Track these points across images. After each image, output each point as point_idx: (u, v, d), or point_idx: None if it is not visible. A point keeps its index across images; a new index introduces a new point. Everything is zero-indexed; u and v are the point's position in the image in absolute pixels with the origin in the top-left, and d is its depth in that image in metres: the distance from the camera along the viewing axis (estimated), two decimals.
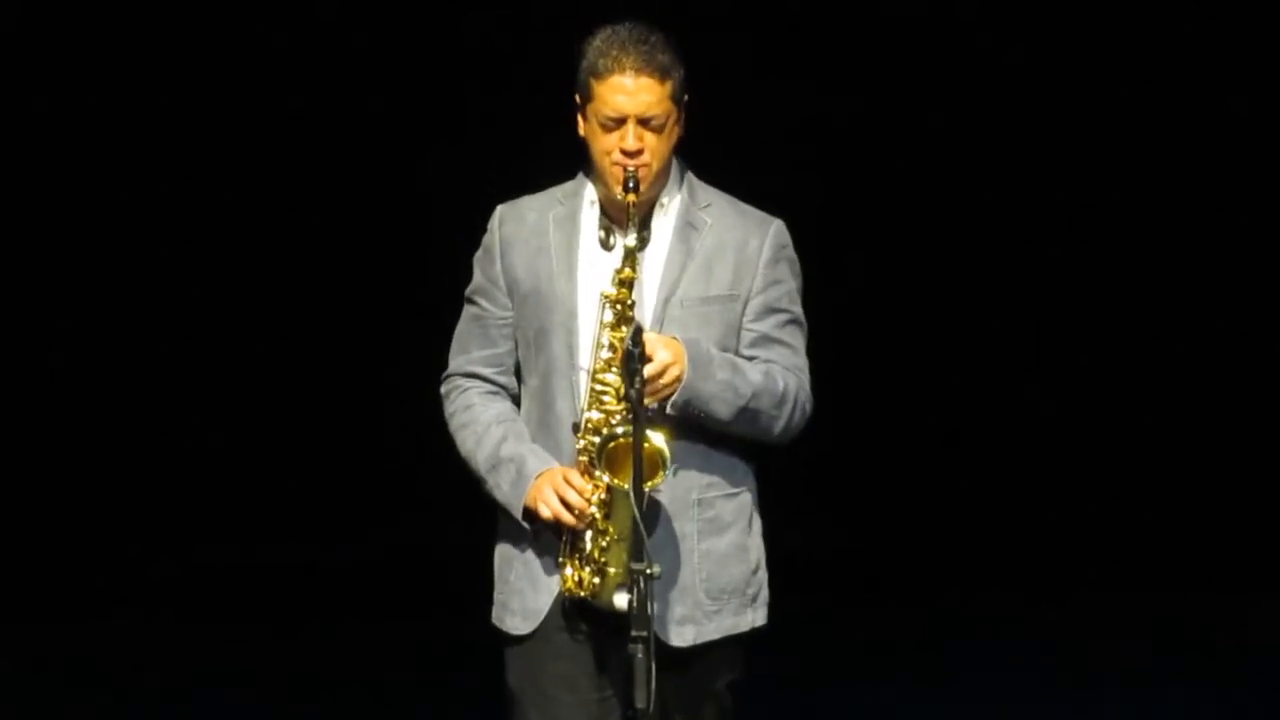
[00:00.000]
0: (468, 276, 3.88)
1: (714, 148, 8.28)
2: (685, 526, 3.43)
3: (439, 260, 9.47)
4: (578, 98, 3.50)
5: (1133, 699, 6.96)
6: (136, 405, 9.59)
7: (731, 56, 9.24)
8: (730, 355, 3.46)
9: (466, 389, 3.56)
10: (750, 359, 3.49)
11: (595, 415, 3.37)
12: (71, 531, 9.26)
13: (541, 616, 3.44)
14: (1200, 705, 6.88)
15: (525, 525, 3.43)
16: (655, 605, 3.24)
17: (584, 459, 3.37)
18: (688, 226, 3.48)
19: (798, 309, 3.60)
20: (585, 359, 3.41)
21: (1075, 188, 9.65)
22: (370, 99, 9.45)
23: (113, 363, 9.58)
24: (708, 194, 3.58)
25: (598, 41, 3.51)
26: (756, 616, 3.51)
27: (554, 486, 3.37)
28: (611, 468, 3.32)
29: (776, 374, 3.48)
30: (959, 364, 9.71)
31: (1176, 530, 9.42)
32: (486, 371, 3.54)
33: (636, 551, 3.23)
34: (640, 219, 3.40)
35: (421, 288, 9.01)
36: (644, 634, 3.18)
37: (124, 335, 9.56)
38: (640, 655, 3.18)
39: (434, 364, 5.61)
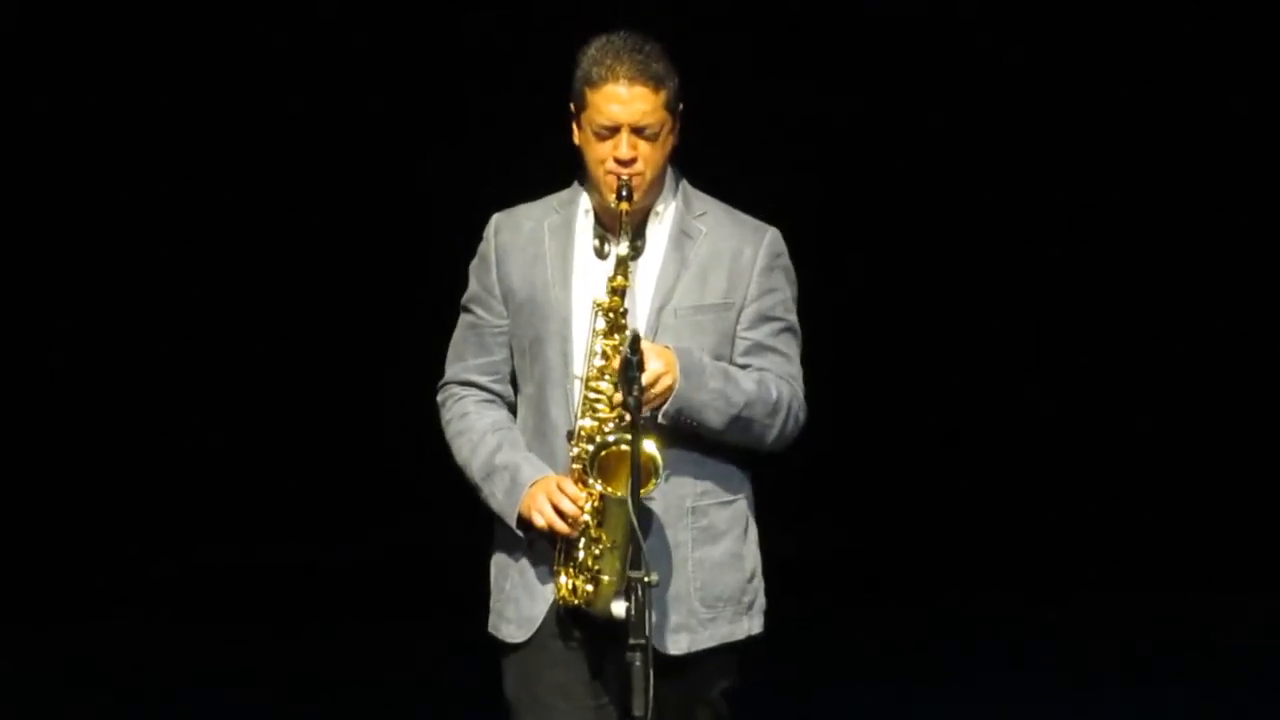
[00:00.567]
0: (467, 277, 3.89)
1: (714, 148, 8.27)
2: (679, 535, 3.44)
3: (439, 260, 9.45)
4: (572, 106, 3.50)
5: (1133, 699, 6.98)
6: (136, 405, 9.56)
7: (731, 57, 9.26)
8: (723, 364, 3.46)
9: (462, 397, 3.56)
10: (744, 367, 3.49)
11: (589, 423, 3.37)
12: (71, 531, 9.24)
13: (536, 625, 3.45)
14: (1200, 705, 6.90)
15: (520, 533, 3.44)
16: (652, 613, 3.25)
17: (577, 467, 3.37)
18: (682, 235, 3.48)
19: (792, 317, 3.59)
20: (580, 367, 3.41)
21: (1075, 188, 9.62)
22: (370, 99, 9.43)
23: (113, 363, 9.56)
24: (703, 202, 3.58)
25: (592, 50, 3.52)
26: (752, 625, 3.51)
27: (548, 494, 3.38)
28: (604, 476, 3.32)
29: (770, 382, 3.48)
30: (959, 364, 9.68)
31: (1176, 530, 9.39)
32: (482, 380, 3.55)
33: (634, 559, 3.24)
34: (635, 227, 3.40)
35: (421, 287, 9.03)
36: (642, 642, 3.19)
37: (124, 335, 9.54)
38: (638, 663, 3.19)
39: (433, 363, 5.60)
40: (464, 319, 3.64)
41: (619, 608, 3.26)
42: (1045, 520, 9.41)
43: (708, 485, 3.47)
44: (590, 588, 3.36)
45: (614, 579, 3.32)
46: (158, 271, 9.54)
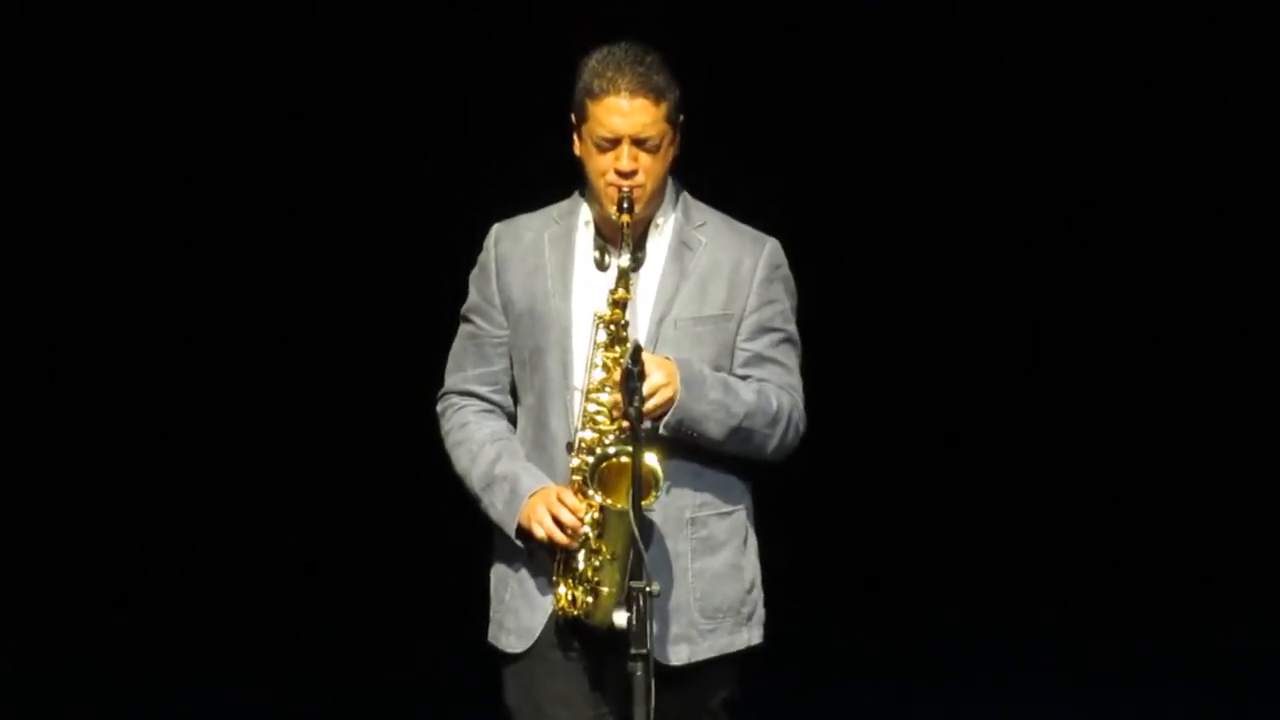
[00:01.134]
0: (467, 276, 3.89)
1: (714, 148, 8.25)
2: (679, 545, 3.44)
3: (439, 260, 9.40)
4: (573, 117, 3.49)
5: (1133, 699, 6.99)
6: (136, 405, 9.56)
7: (732, 57, 9.28)
8: (723, 375, 3.46)
9: (462, 407, 3.56)
10: (744, 378, 3.49)
11: (589, 435, 3.38)
12: (71, 531, 9.25)
13: (536, 635, 3.45)
14: (1200, 705, 6.92)
15: (519, 544, 3.44)
16: (653, 623, 3.26)
17: (577, 479, 3.38)
18: (682, 246, 3.48)
19: (792, 328, 3.59)
20: (580, 378, 3.41)
21: (1075, 188, 9.62)
22: (370, 99, 9.43)
23: (113, 363, 9.55)
24: (702, 213, 3.58)
25: (593, 62, 3.50)
26: (752, 635, 3.52)
27: (547, 505, 3.38)
28: (604, 487, 3.33)
29: (770, 393, 3.48)
30: (959, 364, 9.68)
31: (1176, 530, 9.39)
32: (482, 390, 3.55)
33: (636, 569, 3.25)
34: (635, 239, 3.40)
35: (421, 287, 8.80)
36: (643, 652, 3.20)
37: (124, 335, 9.53)
38: (639, 673, 3.20)
39: (432, 364, 5.59)
40: (463, 329, 3.63)
41: (620, 618, 3.26)
42: (1045, 520, 9.40)
43: (707, 496, 3.48)
44: (589, 599, 3.36)
45: (613, 591, 3.32)
46: (158, 271, 9.51)
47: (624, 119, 3.42)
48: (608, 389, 3.34)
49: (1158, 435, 9.61)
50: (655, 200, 3.47)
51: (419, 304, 9.07)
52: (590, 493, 3.34)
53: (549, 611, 3.43)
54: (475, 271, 3.65)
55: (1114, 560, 9.11)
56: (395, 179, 9.46)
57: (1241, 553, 9.06)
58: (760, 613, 3.53)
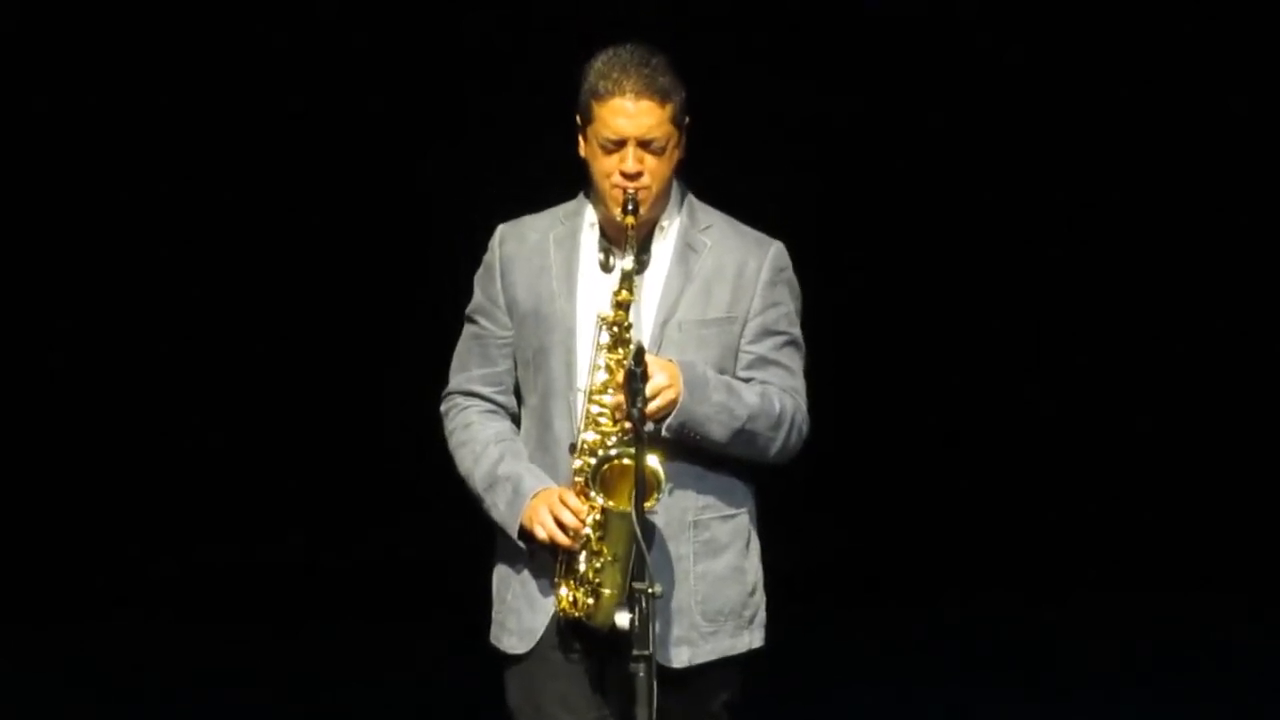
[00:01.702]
0: (467, 276, 3.90)
1: (714, 148, 8.27)
2: (681, 548, 3.45)
3: (438, 260, 9.42)
4: (579, 119, 3.49)
5: (1133, 699, 7.03)
6: (136, 405, 9.57)
7: (732, 56, 9.26)
8: (726, 377, 3.46)
9: (466, 408, 3.56)
10: (747, 380, 3.50)
11: (591, 436, 3.38)
12: (71, 531, 9.28)
13: (537, 636, 3.46)
14: (1200, 705, 6.96)
15: (521, 545, 3.44)
16: (655, 625, 3.26)
17: (579, 480, 3.38)
18: (687, 249, 3.49)
19: (796, 331, 3.60)
20: (583, 379, 3.42)
21: (1075, 188, 9.62)
22: (370, 98, 9.42)
23: (113, 363, 9.55)
24: (708, 215, 3.58)
25: (599, 64, 3.50)
26: (753, 639, 3.52)
27: (549, 506, 3.38)
28: (606, 489, 3.33)
29: (773, 396, 3.49)
30: (959, 364, 9.68)
31: (1176, 530, 9.41)
32: (486, 390, 3.55)
33: (638, 570, 3.25)
34: (640, 241, 3.41)
35: (421, 287, 8.95)
36: (646, 653, 3.21)
37: (124, 335, 9.53)
38: (642, 674, 3.21)
39: (432, 364, 5.59)
40: (468, 329, 3.64)
41: (623, 619, 3.27)
42: (1045, 520, 9.44)
43: (710, 499, 3.48)
44: (591, 600, 3.37)
45: (615, 593, 3.33)
46: (157, 271, 9.51)
47: (629, 120, 3.42)
48: (610, 390, 3.34)
49: (1158, 435, 9.62)
50: (660, 202, 3.47)
51: (419, 304, 8.91)
52: (592, 494, 3.34)
53: (551, 613, 3.44)
54: (480, 272, 3.65)
55: (1114, 560, 9.15)
56: (395, 179, 9.48)
57: (1242, 552, 9.10)
58: (762, 616, 3.53)
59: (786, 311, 3.57)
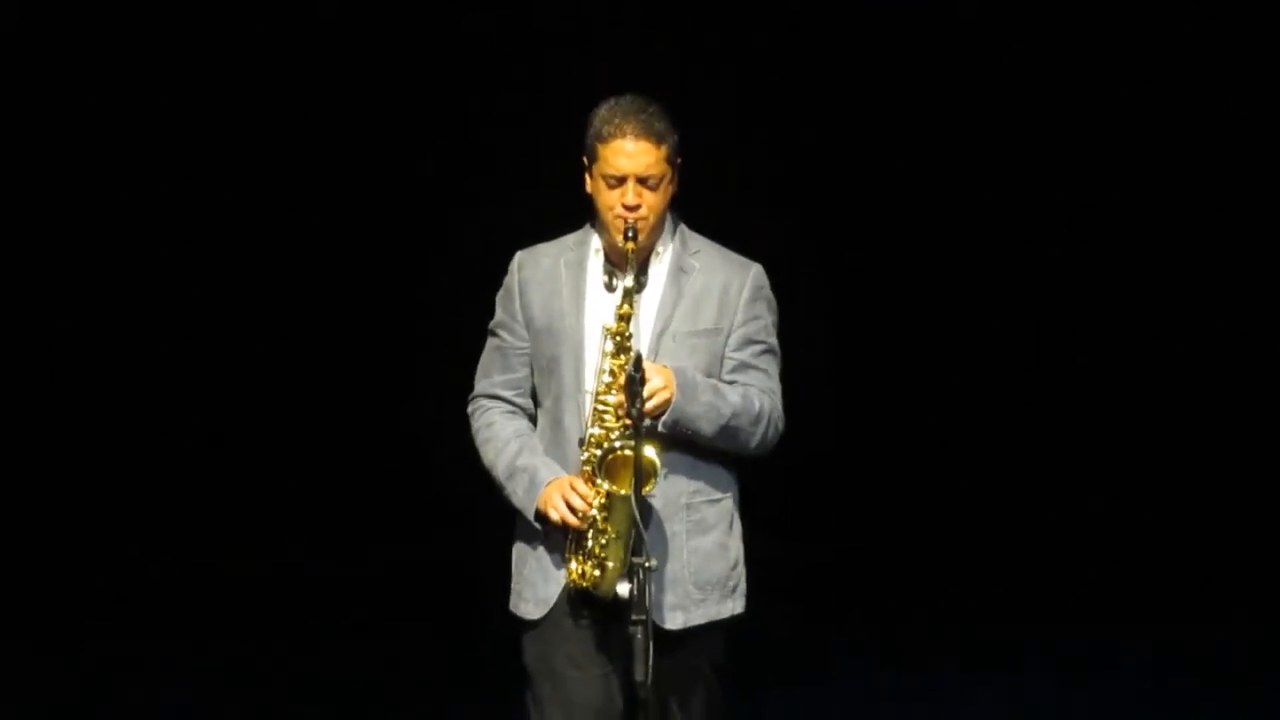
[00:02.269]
0: (467, 277, 4.84)
1: (715, 146, 8.61)
2: (675, 527, 4.33)
3: (438, 260, 10.02)
4: (585, 159, 4.37)
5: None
6: (135, 405, 10.00)
7: (731, 54, 9.78)
8: (713, 380, 4.35)
9: (489, 409, 4.48)
10: (731, 383, 4.38)
11: (597, 431, 4.27)
12: (69, 538, 9.75)
13: (551, 604, 4.35)
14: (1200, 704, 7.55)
15: (537, 526, 4.34)
16: (651, 593, 4.16)
17: (587, 469, 4.27)
18: (679, 270, 4.37)
19: (773, 340, 4.45)
20: (590, 383, 4.30)
21: (1075, 188, 9.96)
22: (370, 99, 9.83)
23: (112, 362, 9.95)
24: (697, 242, 4.46)
25: (603, 111, 4.39)
26: (736, 605, 4.42)
27: (561, 492, 4.28)
28: (610, 476, 4.22)
29: (754, 396, 4.38)
30: (958, 364, 10.10)
31: (1175, 529, 9.80)
32: (506, 394, 4.47)
33: (637, 547, 4.12)
34: (639, 264, 4.29)
35: (421, 287, 9.74)
36: (643, 617, 4.08)
37: (123, 335, 9.92)
38: (640, 636, 4.08)
39: (441, 374, 6.41)
40: (491, 341, 4.54)
41: (624, 588, 4.15)
42: (1044, 520, 9.89)
43: (700, 485, 4.38)
44: (597, 573, 4.26)
45: (617, 565, 4.21)
46: (158, 271, 9.90)
47: (629, 160, 4.31)
48: (614, 391, 4.23)
49: (1156, 435, 10.00)
50: (656, 230, 4.36)
51: (420, 304, 9.76)
52: (598, 481, 4.23)
53: (562, 583, 4.33)
54: (501, 293, 4.52)
55: (1116, 561, 9.62)
56: (402, 185, 9.93)
57: (1243, 553, 9.53)
58: (743, 586, 4.42)
59: (765, 324, 4.44)
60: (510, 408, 4.48)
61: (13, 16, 9.53)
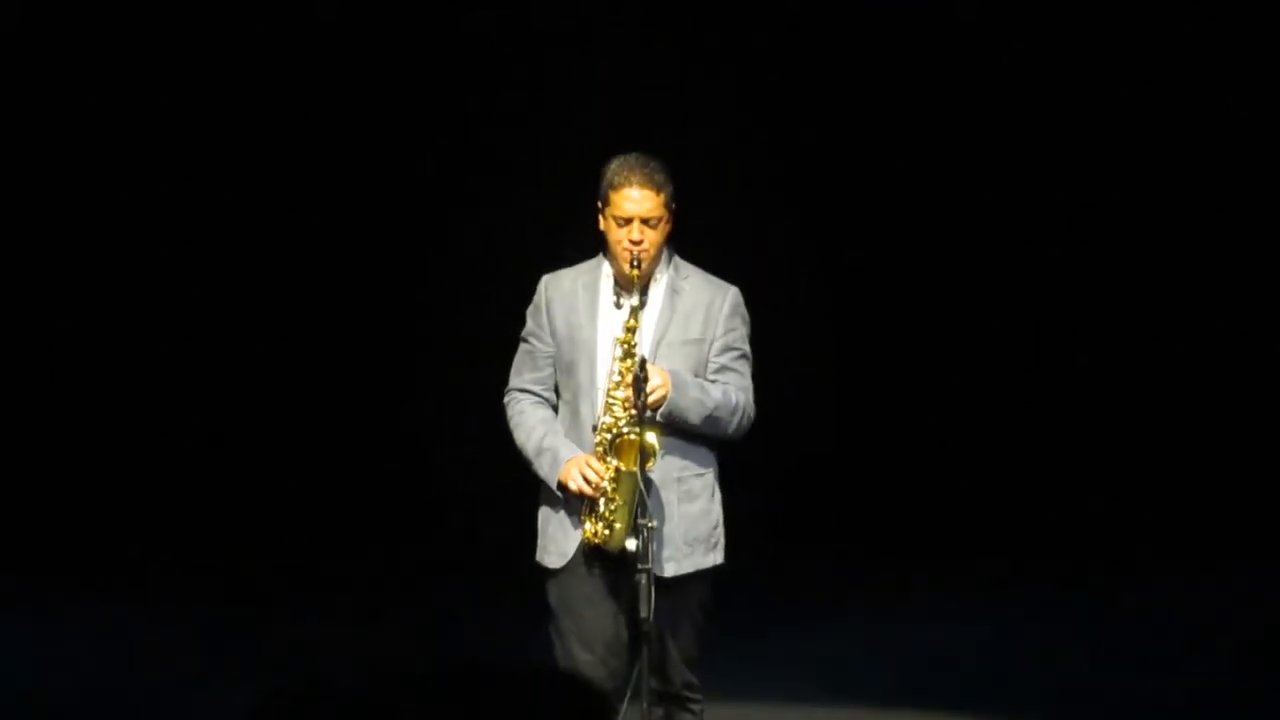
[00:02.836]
0: (467, 277, 7.32)
1: (714, 146, 10.32)
2: (669, 495, 6.68)
3: (438, 260, 11.51)
4: (599, 203, 6.66)
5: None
6: (135, 405, 11.46)
7: (731, 54, 11.35)
8: (700, 379, 6.67)
9: (521, 399, 6.84)
10: (713, 381, 6.71)
11: (608, 419, 6.59)
12: (76, 538, 11.20)
13: (569, 556, 6.70)
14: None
15: (559, 494, 6.68)
16: (653, 548, 6.48)
17: (599, 449, 6.59)
18: (673, 292, 6.70)
19: (746, 347, 6.79)
20: (602, 381, 6.62)
21: (1075, 188, 11.45)
22: (370, 99, 11.32)
23: (112, 363, 11.40)
24: (686, 269, 6.78)
25: (614, 164, 6.67)
26: (717, 558, 6.79)
27: (579, 467, 6.59)
28: (619, 455, 6.54)
29: (731, 393, 6.72)
30: (958, 364, 11.66)
31: (1176, 526, 11.31)
32: (535, 388, 6.83)
33: (641, 510, 6.41)
34: (642, 287, 6.61)
35: (422, 287, 11.44)
36: (647, 567, 6.38)
37: (124, 335, 11.32)
38: (644, 581, 6.37)
39: (441, 374, 8.37)
40: (522, 346, 6.86)
41: (631, 544, 6.44)
42: (1044, 520, 11.44)
43: (688, 462, 6.73)
44: (607, 532, 6.57)
45: (623, 526, 6.52)
46: (157, 271, 11.33)
47: (635, 204, 6.61)
48: (622, 388, 6.54)
49: (1155, 434, 11.53)
50: (656, 260, 6.67)
51: (422, 305, 11.39)
52: (609, 459, 6.57)
53: (579, 540, 6.66)
54: (530, 308, 6.83)
55: (1116, 560, 11.18)
56: (402, 185, 11.38)
57: (1242, 553, 11.08)
58: (722, 543, 6.79)
59: (740, 334, 6.78)
60: (537, 399, 6.84)
61: (13, 16, 10.87)
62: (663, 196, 6.67)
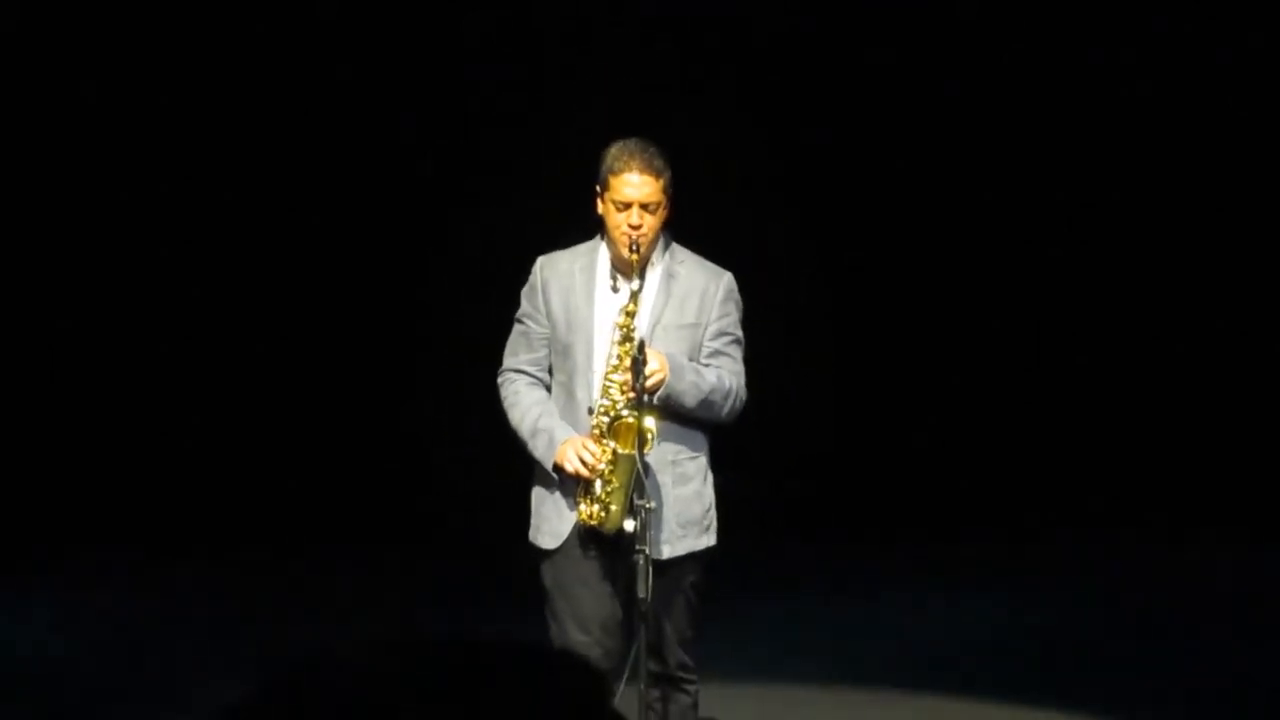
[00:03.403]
0: (467, 277, 7.48)
1: (714, 146, 10.44)
2: (664, 478, 6.80)
3: (438, 259, 11.65)
4: (598, 188, 6.79)
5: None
6: (135, 405, 11.58)
7: (731, 54, 11.47)
8: (695, 363, 6.78)
9: (515, 380, 6.94)
10: (707, 365, 6.82)
11: (605, 402, 6.71)
12: (75, 537, 11.29)
13: (564, 537, 6.81)
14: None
15: (554, 475, 6.80)
16: (650, 530, 6.61)
17: (596, 431, 6.70)
18: (669, 277, 6.82)
19: (739, 331, 6.91)
20: (599, 364, 6.74)
21: (1075, 188, 11.59)
22: (370, 99, 11.44)
23: (111, 363, 11.52)
24: (682, 253, 6.91)
25: (614, 150, 6.79)
26: (709, 539, 6.92)
27: (575, 450, 6.70)
28: (616, 438, 6.67)
29: (725, 377, 6.83)
30: (958, 363, 11.80)
31: (1175, 528, 11.37)
32: (530, 369, 6.93)
33: (639, 492, 6.53)
34: (640, 270, 6.73)
35: (422, 287, 11.57)
36: (644, 548, 6.50)
37: (123, 335, 11.44)
38: (642, 562, 6.48)
39: (441, 374, 8.49)
40: (517, 328, 6.98)
41: (629, 525, 6.55)
42: (1045, 520, 11.54)
43: (682, 446, 6.86)
44: (603, 514, 6.69)
45: (619, 509, 6.64)
46: (157, 271, 11.44)
47: (635, 189, 6.72)
48: (620, 371, 6.66)
49: (1156, 434, 11.68)
50: (653, 245, 6.79)
51: (422, 304, 11.51)
52: (606, 441, 6.69)
53: (573, 521, 6.78)
54: (525, 289, 6.96)
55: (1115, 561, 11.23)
56: (402, 185, 11.51)
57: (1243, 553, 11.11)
58: (715, 525, 6.91)
59: (734, 319, 6.90)
60: (532, 380, 6.95)
61: (13, 16, 10.96)
62: (662, 182, 6.80)
